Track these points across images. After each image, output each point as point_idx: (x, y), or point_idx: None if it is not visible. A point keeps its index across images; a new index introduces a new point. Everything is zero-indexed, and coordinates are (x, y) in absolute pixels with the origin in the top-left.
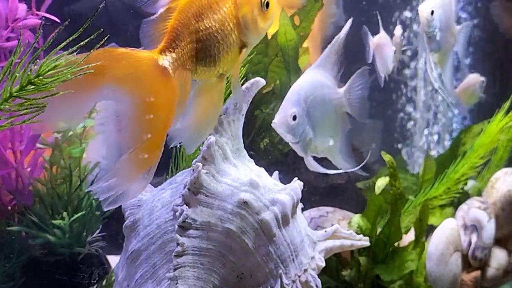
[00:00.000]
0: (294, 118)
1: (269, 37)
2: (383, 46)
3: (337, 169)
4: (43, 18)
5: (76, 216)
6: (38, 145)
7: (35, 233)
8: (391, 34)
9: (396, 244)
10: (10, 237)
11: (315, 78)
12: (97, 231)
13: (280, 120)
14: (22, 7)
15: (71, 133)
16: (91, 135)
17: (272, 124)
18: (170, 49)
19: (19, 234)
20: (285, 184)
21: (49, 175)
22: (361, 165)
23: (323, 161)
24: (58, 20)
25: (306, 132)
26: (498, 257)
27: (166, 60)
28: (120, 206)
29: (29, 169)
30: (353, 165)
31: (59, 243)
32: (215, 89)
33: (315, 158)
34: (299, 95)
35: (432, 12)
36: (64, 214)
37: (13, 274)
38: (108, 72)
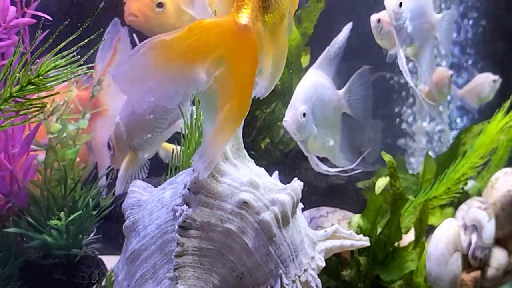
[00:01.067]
0: (303, 115)
1: None
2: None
3: (338, 168)
4: (43, 18)
5: (72, 216)
6: (32, 146)
7: (31, 235)
8: None
9: (396, 244)
10: (6, 240)
11: (317, 78)
12: (94, 233)
13: (292, 118)
14: (12, 8)
15: (64, 134)
16: (84, 137)
17: (283, 122)
18: (245, 6)
19: (15, 237)
20: (285, 184)
21: (44, 176)
22: (356, 162)
23: (323, 161)
24: (50, 18)
25: (311, 130)
26: (498, 257)
27: (244, 18)
28: (118, 207)
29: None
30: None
31: (55, 244)
32: (280, 31)
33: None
34: (306, 93)
35: (401, 4)
36: (61, 214)
37: (10, 277)
38: (203, 46)
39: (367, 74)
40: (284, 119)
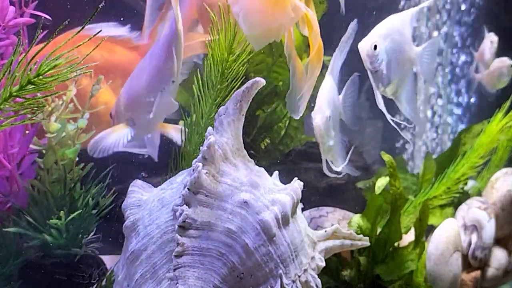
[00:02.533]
0: (329, 119)
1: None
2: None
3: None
4: (42, 18)
5: (72, 215)
6: (32, 146)
7: (31, 234)
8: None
9: (396, 244)
10: (6, 240)
11: (332, 84)
12: (93, 232)
13: (322, 120)
14: (11, 8)
15: (64, 134)
16: (83, 136)
17: (313, 123)
18: None
19: (15, 236)
20: (285, 184)
21: (44, 176)
22: (345, 162)
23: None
24: (49, 18)
25: (331, 134)
26: (498, 257)
27: None
28: (118, 207)
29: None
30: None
31: (55, 243)
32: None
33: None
34: (329, 98)
35: (375, 47)
36: (61, 213)
37: (10, 277)
38: None
39: (357, 82)
40: (315, 121)
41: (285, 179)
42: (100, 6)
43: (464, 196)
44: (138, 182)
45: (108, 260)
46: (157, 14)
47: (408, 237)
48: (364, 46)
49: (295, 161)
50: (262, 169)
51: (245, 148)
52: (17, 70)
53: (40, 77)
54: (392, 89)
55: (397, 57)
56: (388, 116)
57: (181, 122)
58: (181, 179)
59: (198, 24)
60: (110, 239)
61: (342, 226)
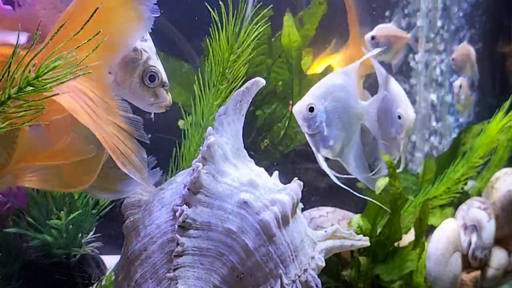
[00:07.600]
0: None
1: (273, 38)
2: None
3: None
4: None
5: (73, 215)
6: None
7: (32, 234)
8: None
9: (396, 244)
10: (6, 240)
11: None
12: (93, 232)
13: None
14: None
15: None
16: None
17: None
18: None
19: (15, 237)
20: (285, 184)
21: None
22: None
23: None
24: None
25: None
26: (498, 257)
27: None
28: (119, 207)
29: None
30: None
31: (55, 243)
32: None
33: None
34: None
35: (312, 108)
36: (62, 213)
37: (10, 277)
38: None
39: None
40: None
41: (285, 179)
42: (98, 7)
43: (464, 196)
44: None
45: (108, 260)
46: None
47: (408, 237)
48: (299, 110)
49: (295, 161)
50: (262, 169)
51: (244, 148)
52: (16, 72)
53: (39, 79)
54: (336, 150)
55: (341, 115)
56: (335, 179)
57: (181, 122)
58: (181, 179)
59: None
60: (110, 239)
61: (342, 226)
